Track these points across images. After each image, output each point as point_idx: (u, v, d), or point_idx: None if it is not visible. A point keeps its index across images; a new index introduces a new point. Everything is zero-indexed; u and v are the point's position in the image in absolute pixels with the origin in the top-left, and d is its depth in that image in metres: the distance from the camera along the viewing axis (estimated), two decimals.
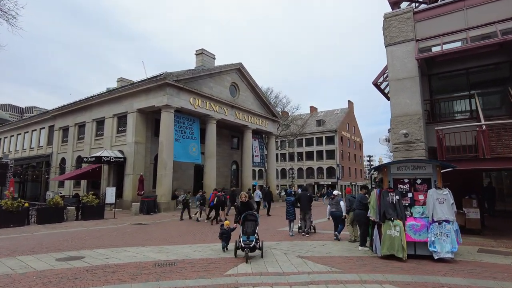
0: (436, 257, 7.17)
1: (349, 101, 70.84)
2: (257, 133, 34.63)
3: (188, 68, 27.05)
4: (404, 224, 7.42)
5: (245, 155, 31.90)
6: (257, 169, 63.28)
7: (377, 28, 67.79)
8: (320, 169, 64.33)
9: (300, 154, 65.87)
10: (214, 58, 32.26)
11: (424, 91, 15.51)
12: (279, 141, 55.61)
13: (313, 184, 62.91)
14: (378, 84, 16.42)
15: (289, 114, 52.40)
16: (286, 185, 58.71)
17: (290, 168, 62.62)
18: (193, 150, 26.04)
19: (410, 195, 7.74)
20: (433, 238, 7.18)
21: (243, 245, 7.51)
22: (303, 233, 11.91)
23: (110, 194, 19.53)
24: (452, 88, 16.27)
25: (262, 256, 7.72)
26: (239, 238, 7.77)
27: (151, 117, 26.14)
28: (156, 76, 23.85)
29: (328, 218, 11.68)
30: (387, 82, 16.11)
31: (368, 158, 52.28)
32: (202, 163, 27.54)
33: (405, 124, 13.45)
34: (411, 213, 7.71)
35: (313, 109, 73.09)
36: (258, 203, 20.47)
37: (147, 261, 7.56)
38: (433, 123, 14.61)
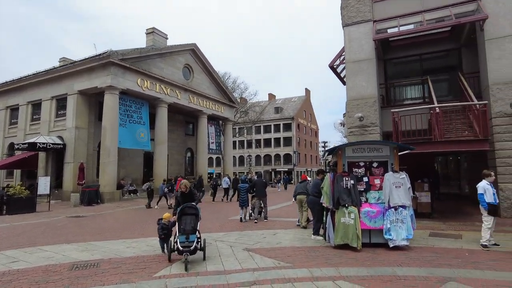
0: (391, 245, 6.69)
1: (306, 89, 71.43)
2: (213, 119, 33.33)
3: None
4: (359, 211, 6.84)
5: (200, 141, 30.52)
6: (214, 156, 62.02)
7: (336, 11, 68.34)
8: (277, 156, 64.54)
9: (258, 141, 65.48)
10: (167, 38, 30.11)
11: (380, 76, 15.28)
12: (237, 128, 54.61)
13: (271, 170, 63.06)
14: (335, 67, 15.93)
15: (248, 100, 51.48)
16: (244, 172, 58.13)
17: (248, 155, 62.05)
18: (141, 136, 24.21)
19: (365, 179, 7.17)
20: (388, 225, 6.68)
21: (181, 247, 5.83)
22: (255, 220, 11.52)
23: (43, 184, 17.42)
24: (406, 74, 16.25)
25: (204, 258, 6.27)
26: (175, 237, 6.16)
27: (95, 100, 23.85)
28: (100, 54, 21.57)
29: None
30: (343, 65, 15.67)
31: (323, 144, 52.86)
32: (152, 150, 25.79)
33: (361, 107, 13.08)
34: (367, 199, 7.16)
35: (271, 96, 72.77)
36: (226, 189, 21.36)
37: (64, 262, 6.29)
38: (387, 107, 14.45)
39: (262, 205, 11.95)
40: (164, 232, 6.75)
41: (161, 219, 6.95)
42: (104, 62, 21.01)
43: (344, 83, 18.58)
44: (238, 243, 7.79)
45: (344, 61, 14.28)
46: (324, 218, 7.77)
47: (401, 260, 5.98)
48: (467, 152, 15.77)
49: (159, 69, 25.41)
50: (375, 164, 7.24)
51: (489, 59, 11.47)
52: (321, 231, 8.22)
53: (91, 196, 19.69)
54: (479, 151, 12.62)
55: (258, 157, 65.67)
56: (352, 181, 6.95)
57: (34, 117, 26.01)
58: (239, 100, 46.72)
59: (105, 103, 21.53)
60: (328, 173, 7.54)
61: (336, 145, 7.56)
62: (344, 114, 16.31)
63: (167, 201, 17.77)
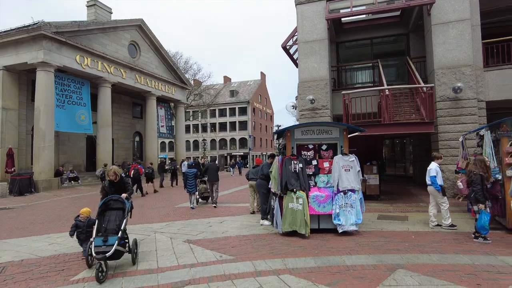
0: (340, 231, 6.44)
1: (261, 73, 70.90)
2: (163, 101, 31.60)
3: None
4: (307, 196, 6.48)
5: (149, 125, 28.82)
6: (167, 141, 59.82)
7: None
8: (233, 140, 63.94)
9: (213, 125, 64.20)
10: (111, 13, 27.62)
11: (332, 59, 15.11)
12: (191, 111, 52.84)
13: (226, 155, 62.42)
14: (287, 47, 15.46)
15: (202, 83, 49.76)
16: (198, 157, 56.85)
17: (203, 140, 60.70)
18: (81, 119, 22.15)
19: (314, 162, 6.81)
20: (337, 210, 6.41)
21: (94, 253, 4.51)
22: (214, 204, 11.32)
23: None
24: (357, 57, 16.29)
25: (134, 263, 5.11)
26: (92, 240, 4.76)
27: (26, 78, 21.26)
28: (29, 25, 19.08)
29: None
30: (296, 46, 15.25)
31: (276, 128, 52.81)
32: (95, 133, 23.82)
33: (312, 89, 12.79)
34: (315, 183, 6.82)
35: (226, 79, 71.30)
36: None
37: None
38: (339, 90, 14.36)
39: (214, 189, 11.55)
40: (79, 231, 5.36)
41: (78, 216, 5.55)
42: (34, 34, 18.57)
43: (297, 65, 18.27)
44: (180, 234, 7.13)
45: (297, 41, 13.83)
46: (273, 202, 7.34)
47: (350, 247, 5.72)
48: (413, 135, 16.36)
49: (102, 46, 23.25)
50: (324, 147, 6.90)
51: (435, 44, 11.65)
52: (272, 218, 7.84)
53: (22, 185, 17.66)
54: (425, 134, 13.03)
55: (213, 141, 64.59)
56: (300, 165, 6.55)
57: None
58: (192, 82, 44.99)
59: (38, 82, 19.21)
60: (276, 157, 7.08)
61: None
62: (296, 97, 16.03)
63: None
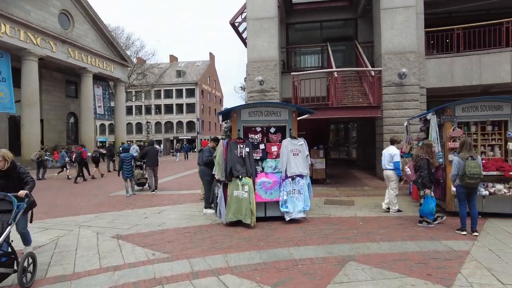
0: (287, 218, 6.06)
1: (210, 54, 68.67)
2: (101, 79, 28.94)
3: None
4: (254, 183, 5.96)
5: (84, 105, 26.19)
6: (107, 123, 55.78)
7: None
8: (180, 123, 61.65)
9: (158, 107, 61.08)
10: None
11: (282, 40, 14.64)
12: (133, 91, 49.57)
13: (172, 138, 60.11)
14: (236, 24, 14.63)
15: (145, 61, 46.68)
16: (142, 140, 54.00)
17: (147, 122, 57.58)
18: (0, 96, 19.30)
19: (262, 146, 6.28)
20: (285, 197, 5.99)
21: None
22: (152, 191, 10.75)
23: None
24: (307, 40, 16.02)
25: (26, 285, 3.64)
26: None
27: None
28: None
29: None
30: (245, 24, 14.48)
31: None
32: (18, 114, 21.00)
33: (261, 70, 12.22)
34: (263, 168, 6.32)
35: (173, 58, 67.87)
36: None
37: None
38: (288, 72, 13.99)
39: (154, 174, 10.90)
40: None
41: None
42: None
43: (246, 44, 17.54)
44: (109, 228, 6.23)
45: (246, 18, 13.07)
46: (216, 190, 6.71)
47: (298, 236, 5.35)
48: (357, 120, 16.69)
49: (24, 12, 20.24)
50: (272, 130, 6.40)
51: (383, 29, 11.67)
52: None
53: None
54: (369, 119, 13.24)
55: (158, 124, 61.66)
56: (247, 149, 5.98)
57: None
58: (135, 60, 41.98)
59: None
60: (221, 140, 6.42)
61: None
62: (245, 78, 15.39)
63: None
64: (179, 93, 61.13)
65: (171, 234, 5.69)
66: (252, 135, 6.31)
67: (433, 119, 6.75)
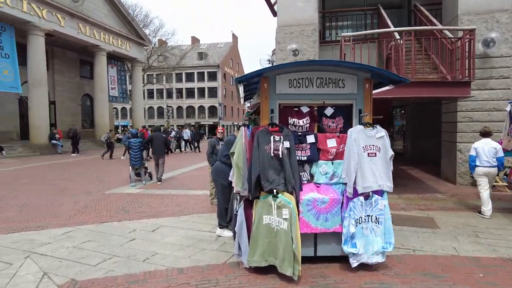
0: (355, 264, 3.53)
1: (233, 35, 65.53)
2: (115, 58, 27.02)
3: None
4: (298, 202, 3.47)
5: (98, 86, 24.41)
6: (128, 106, 54.52)
7: None
8: (201, 108, 59.58)
9: (179, 91, 59.22)
10: None
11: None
12: (154, 74, 47.80)
13: (194, 124, 58.34)
14: None
15: (167, 42, 44.49)
16: (163, 125, 52.53)
17: (168, 106, 55.98)
18: (3, 73, 17.64)
19: (311, 139, 3.71)
20: (352, 228, 3.46)
21: None
22: (159, 181, 9.88)
23: None
24: (346, 8, 13.06)
25: None
26: None
27: None
28: None
29: None
30: None
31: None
32: (25, 94, 19.37)
33: (296, 37, 9.55)
34: (312, 176, 3.78)
35: (194, 40, 65.34)
36: (186, 141, 23.22)
37: None
38: (326, 43, 11.24)
39: (160, 163, 9.91)
40: None
41: None
42: None
43: (274, 13, 14.78)
44: (68, 262, 3.98)
45: None
46: (235, 206, 4.26)
47: None
48: (411, 104, 13.73)
49: None
50: (329, 111, 3.81)
51: None
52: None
53: None
54: (430, 103, 10.38)
55: (180, 108, 59.90)
56: (287, 144, 3.46)
57: None
58: (154, 40, 39.90)
59: None
60: (242, 127, 3.84)
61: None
62: (273, 50, 12.74)
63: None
64: (201, 77, 58.84)
65: (159, 278, 3.35)
66: (295, 120, 3.74)
67: None
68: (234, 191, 3.83)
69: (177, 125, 47.30)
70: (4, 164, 15.23)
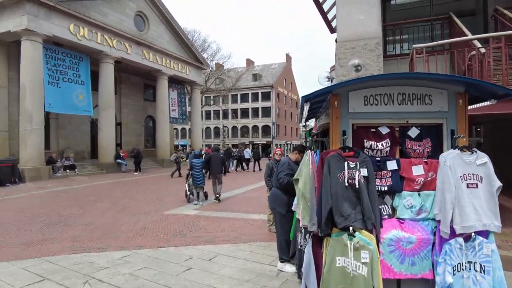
0: None
1: (287, 55, 66.12)
2: (176, 82, 28.47)
3: None
4: (378, 241, 2.90)
5: (159, 108, 25.80)
6: (187, 127, 57.06)
7: None
8: (255, 128, 60.28)
9: (235, 111, 60.77)
10: None
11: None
12: (211, 96, 49.70)
13: (248, 143, 59.08)
14: (320, 0, 11.59)
15: (223, 66, 46.21)
16: (219, 144, 53.92)
17: (224, 126, 57.59)
18: (79, 99, 19.36)
19: (392, 165, 3.13)
20: (450, 279, 2.77)
21: None
22: (216, 200, 9.92)
23: None
24: (411, 18, 12.17)
25: None
26: None
27: (17, 51, 18.55)
28: None
29: None
30: None
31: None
32: (96, 116, 21.05)
33: (358, 52, 8.97)
34: (394, 210, 3.18)
35: (249, 62, 67.17)
36: (248, 160, 23.99)
37: None
38: (390, 57, 10.49)
39: (217, 182, 10.14)
40: None
41: None
42: None
43: (332, 30, 14.36)
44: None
45: None
46: (299, 239, 3.77)
47: None
48: (491, 121, 12.17)
49: (102, 15, 20.21)
50: (414, 132, 3.23)
51: None
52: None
53: (3, 174, 15.13)
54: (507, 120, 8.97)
55: (234, 128, 61.29)
56: (364, 171, 2.94)
57: None
58: (211, 64, 41.64)
59: (23, 53, 16.49)
60: (308, 151, 3.39)
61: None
62: (331, 67, 12.24)
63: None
64: (255, 97, 59.87)
65: None
66: (372, 143, 3.21)
67: None
68: (301, 225, 3.36)
69: (232, 144, 48.28)
70: (77, 181, 16.45)
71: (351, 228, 2.83)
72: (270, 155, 51.99)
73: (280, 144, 58.30)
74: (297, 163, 4.34)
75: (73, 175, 18.77)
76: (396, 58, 10.16)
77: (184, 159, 23.64)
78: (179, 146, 54.95)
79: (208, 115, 61.43)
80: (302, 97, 3.15)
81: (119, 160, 21.13)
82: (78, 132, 22.80)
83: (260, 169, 22.34)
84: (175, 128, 52.69)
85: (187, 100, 31.67)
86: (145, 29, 23.91)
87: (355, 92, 3.18)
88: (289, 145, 63.01)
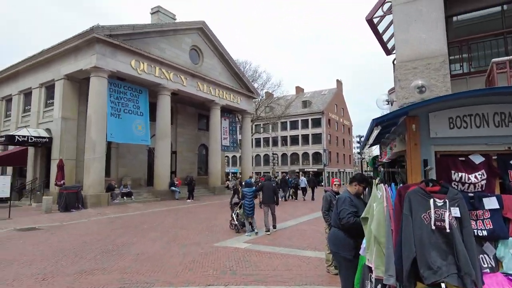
0: None
1: (337, 81, 65.08)
2: (228, 111, 29.14)
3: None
4: None
5: (212, 137, 26.40)
6: (238, 155, 57.95)
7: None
8: (305, 155, 59.13)
9: (284, 139, 60.49)
10: (174, 19, 26.42)
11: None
12: (261, 124, 50.22)
13: (298, 171, 58.03)
14: (374, 21, 11.09)
15: (273, 94, 46.78)
16: (269, 172, 53.61)
17: (273, 154, 57.41)
18: (138, 129, 20.46)
19: (493, 203, 2.48)
20: None
21: None
22: (267, 231, 9.67)
23: (1, 186, 14.01)
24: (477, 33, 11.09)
25: None
26: None
27: (87, 87, 20.40)
28: (85, 31, 18.08)
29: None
30: (388, 18, 10.85)
31: (358, 139, 43.43)
32: (152, 145, 22.03)
33: (420, 72, 8.25)
34: (497, 262, 2.49)
35: (299, 89, 67.29)
36: (304, 188, 23.02)
37: None
38: (457, 77, 9.51)
39: (270, 213, 9.91)
40: None
41: None
42: (88, 38, 17.47)
43: (388, 51, 13.65)
44: None
45: (390, 6, 9.44)
46: None
47: None
48: None
49: (160, 50, 21.61)
50: None
51: None
52: None
53: (69, 199, 16.17)
54: None
55: (284, 155, 60.78)
56: (456, 210, 2.34)
57: (26, 107, 23.17)
58: (262, 93, 42.34)
59: (91, 88, 17.99)
60: (380, 185, 2.84)
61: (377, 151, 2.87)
62: (390, 90, 11.46)
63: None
64: (305, 124, 59.27)
65: None
66: (462, 175, 2.59)
67: None
68: (373, 276, 2.77)
69: (282, 172, 47.61)
70: (132, 208, 17.03)
71: (443, 285, 2.20)
72: (322, 183, 50.26)
73: (333, 172, 56.36)
74: (358, 195, 3.79)
75: (129, 202, 19.54)
76: (465, 77, 9.18)
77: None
78: (230, 174, 55.72)
79: (258, 143, 61.92)
80: (373, 119, 2.67)
81: (173, 188, 21.68)
82: (136, 161, 23.97)
83: (313, 199, 21.50)
84: (226, 156, 53.60)
85: (238, 129, 32.16)
86: (200, 62, 25.08)
87: (437, 113, 2.63)
88: (341, 173, 60.64)
